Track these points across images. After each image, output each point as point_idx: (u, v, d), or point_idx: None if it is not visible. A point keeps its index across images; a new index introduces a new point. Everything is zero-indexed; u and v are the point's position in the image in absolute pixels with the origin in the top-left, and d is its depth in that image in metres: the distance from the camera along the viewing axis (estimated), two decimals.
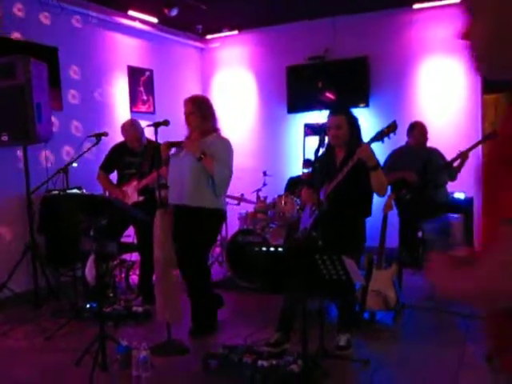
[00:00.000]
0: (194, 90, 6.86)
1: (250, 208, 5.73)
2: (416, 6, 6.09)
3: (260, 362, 3.04)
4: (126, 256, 5.16)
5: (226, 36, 7.29)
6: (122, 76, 6.29)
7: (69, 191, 4.68)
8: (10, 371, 3.36)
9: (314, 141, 6.06)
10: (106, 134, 4.64)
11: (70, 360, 3.32)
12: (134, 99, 6.46)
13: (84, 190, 5.13)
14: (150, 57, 6.71)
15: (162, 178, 3.94)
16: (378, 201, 3.61)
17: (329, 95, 6.77)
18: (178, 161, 3.87)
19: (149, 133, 4.42)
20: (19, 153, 4.77)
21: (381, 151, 3.87)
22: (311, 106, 6.80)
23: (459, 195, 5.48)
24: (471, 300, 1.03)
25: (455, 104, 6.12)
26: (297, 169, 6.33)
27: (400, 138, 4.38)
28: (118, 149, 4.82)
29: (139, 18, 6.26)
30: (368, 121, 5.86)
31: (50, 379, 3.24)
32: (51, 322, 4.14)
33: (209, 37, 7.41)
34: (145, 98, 6.62)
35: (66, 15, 5.47)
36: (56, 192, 4.74)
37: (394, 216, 4.61)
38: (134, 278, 5.11)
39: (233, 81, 7.47)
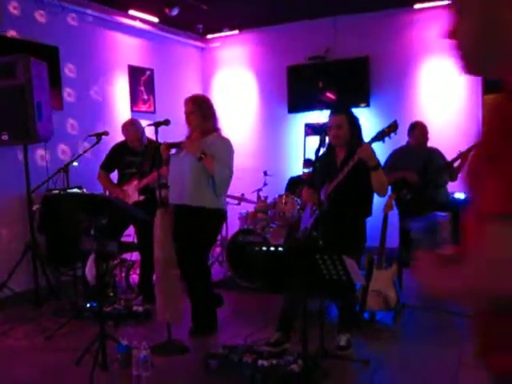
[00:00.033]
0: (194, 89, 6.86)
1: (251, 208, 5.73)
2: (417, 6, 6.09)
3: (260, 362, 3.04)
4: (127, 255, 5.16)
5: (226, 36, 7.30)
6: (122, 75, 6.29)
7: (69, 190, 4.68)
8: (11, 370, 3.36)
9: (314, 141, 6.06)
10: (106, 134, 4.64)
11: (71, 359, 3.32)
12: (134, 99, 6.46)
13: (84, 190, 5.13)
14: (151, 56, 6.71)
15: (163, 178, 3.94)
16: (378, 201, 3.60)
17: (329, 95, 6.77)
18: (178, 161, 3.87)
19: (149, 132, 4.42)
20: (19, 152, 4.77)
21: (381, 151, 3.87)
22: (312, 106, 6.80)
23: (460, 195, 5.48)
24: (458, 298, 1.03)
25: (455, 104, 6.12)
26: (297, 169, 6.32)
27: (400, 138, 4.38)
28: (119, 148, 4.82)
29: (140, 18, 6.26)
30: (368, 121, 5.86)
31: (50, 378, 3.24)
32: (51, 322, 4.14)
33: (209, 36, 7.41)
34: (145, 97, 6.62)
35: (67, 14, 5.47)
36: (56, 191, 4.74)
37: (394, 216, 4.61)
38: (135, 277, 5.11)
39: (233, 80, 7.47)
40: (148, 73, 6.65)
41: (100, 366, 3.17)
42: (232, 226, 5.80)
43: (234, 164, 3.86)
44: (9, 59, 4.34)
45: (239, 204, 5.89)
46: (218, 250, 5.95)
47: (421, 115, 5.75)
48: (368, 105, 6.52)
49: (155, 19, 6.39)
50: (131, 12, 6.08)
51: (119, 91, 6.24)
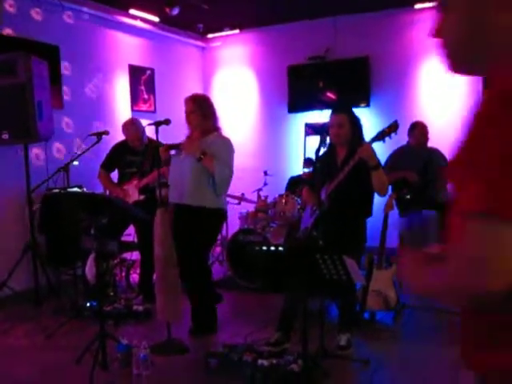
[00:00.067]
0: (194, 88, 6.86)
1: (251, 207, 5.73)
2: (417, 6, 6.08)
3: (260, 361, 3.04)
4: (127, 255, 5.16)
5: (227, 35, 7.30)
6: (123, 75, 6.29)
7: (69, 190, 4.68)
8: (11, 369, 3.36)
9: (314, 140, 6.06)
10: (106, 133, 4.64)
11: (71, 358, 3.32)
12: (135, 98, 6.46)
13: (84, 189, 5.13)
14: (151, 56, 6.71)
15: (163, 177, 3.94)
16: (378, 200, 3.60)
17: (329, 95, 6.77)
18: (178, 161, 3.87)
19: (150, 132, 4.42)
20: (20, 151, 4.77)
21: (382, 151, 3.87)
22: (312, 106, 6.80)
23: None
24: (439, 296, 1.03)
25: (456, 104, 6.11)
26: (297, 168, 6.33)
27: (401, 138, 4.38)
28: (119, 147, 4.82)
29: (140, 17, 6.27)
30: (369, 121, 5.86)
31: (50, 377, 3.24)
32: (52, 321, 4.14)
33: (210, 36, 7.41)
34: (146, 96, 6.62)
35: (67, 13, 5.47)
36: (57, 190, 4.74)
37: (394, 216, 4.61)
38: (135, 276, 5.11)
39: (234, 80, 7.47)
40: (148, 72, 6.65)
41: (100, 365, 3.17)
42: (232, 225, 5.81)
43: (235, 163, 3.86)
44: (9, 58, 4.34)
45: (239, 204, 5.90)
46: (218, 249, 5.95)
47: (421, 115, 5.75)
48: (368, 105, 6.52)
49: (156, 18, 6.39)
50: (132, 11, 6.08)
51: (120, 90, 6.24)
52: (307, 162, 5.75)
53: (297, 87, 6.92)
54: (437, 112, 6.14)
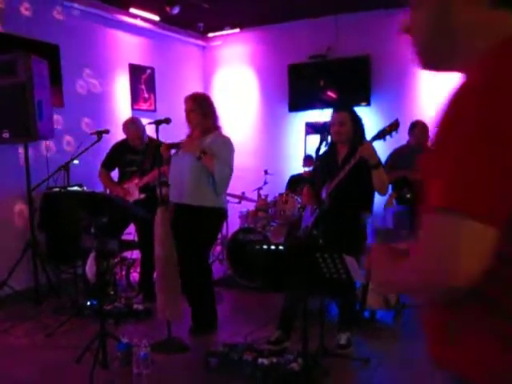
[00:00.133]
0: (195, 88, 6.85)
1: (251, 206, 5.73)
2: None
3: (260, 360, 3.04)
4: (127, 254, 5.17)
5: (227, 34, 7.29)
6: (123, 74, 6.29)
7: (70, 188, 4.69)
8: (11, 369, 3.36)
9: (315, 139, 6.05)
10: (107, 132, 4.63)
11: (71, 357, 3.33)
12: (135, 97, 6.46)
13: (85, 188, 5.13)
14: (152, 55, 6.71)
15: (163, 176, 3.94)
16: (379, 199, 3.60)
17: (330, 94, 6.76)
18: (178, 160, 3.87)
19: (150, 131, 4.42)
20: (20, 150, 4.77)
21: (382, 150, 3.86)
22: (313, 105, 6.80)
23: None
24: (403, 290, 1.04)
25: None
26: (298, 167, 6.32)
27: (401, 137, 4.37)
28: (120, 147, 4.82)
29: (141, 16, 6.26)
30: (369, 119, 5.84)
31: (50, 376, 3.24)
32: (52, 320, 4.14)
33: (210, 35, 7.41)
34: (146, 95, 6.62)
35: (68, 13, 5.47)
36: (57, 189, 4.74)
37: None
38: (135, 275, 5.11)
39: (234, 79, 7.47)
40: (149, 71, 6.65)
41: (100, 363, 3.17)
42: (232, 224, 5.80)
43: (235, 162, 3.85)
44: (10, 57, 4.34)
45: (240, 202, 5.90)
46: (218, 248, 5.95)
47: (421, 114, 5.74)
48: (369, 104, 6.51)
49: (156, 17, 6.39)
50: (132, 10, 6.08)
51: (120, 89, 6.24)
52: (307, 159, 5.75)
53: (297, 86, 6.91)
54: (437, 111, 6.12)
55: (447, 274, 0.85)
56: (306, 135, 6.82)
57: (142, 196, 4.61)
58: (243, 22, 6.93)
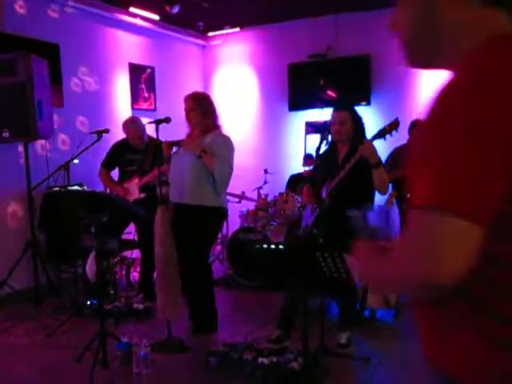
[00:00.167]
0: (195, 87, 6.85)
1: (251, 206, 5.73)
2: None
3: (260, 360, 3.04)
4: (127, 253, 5.16)
5: (227, 33, 7.28)
6: (123, 73, 6.28)
7: (70, 188, 4.68)
8: (11, 368, 3.36)
9: (315, 139, 6.06)
10: (107, 131, 4.64)
11: (71, 357, 3.33)
12: (135, 96, 6.45)
13: (85, 187, 5.13)
14: (152, 54, 6.70)
15: (163, 175, 3.94)
16: (379, 199, 3.60)
17: (330, 93, 6.76)
18: (178, 159, 3.87)
19: (150, 130, 4.42)
20: (20, 149, 4.77)
21: (382, 149, 3.86)
22: (312, 104, 6.80)
23: None
24: (387, 287, 1.04)
25: None
26: (298, 166, 6.32)
27: (401, 136, 4.36)
28: (120, 146, 4.82)
29: (140, 15, 6.25)
30: (369, 119, 5.84)
31: (50, 376, 3.24)
32: (52, 319, 4.14)
33: (210, 34, 7.40)
34: (146, 95, 6.62)
35: (68, 12, 5.46)
36: (57, 189, 4.74)
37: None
38: (135, 275, 5.11)
39: (234, 78, 7.46)
40: (149, 70, 6.64)
41: (100, 363, 3.18)
42: (232, 223, 5.80)
43: (235, 162, 3.85)
44: (10, 56, 4.34)
45: (240, 202, 5.89)
46: (218, 248, 5.95)
47: (421, 113, 5.73)
48: (369, 103, 6.51)
49: (156, 17, 6.38)
50: (132, 9, 6.07)
51: (120, 89, 6.24)
52: (307, 158, 5.75)
53: (297, 85, 6.91)
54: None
55: (432, 272, 0.84)
56: (305, 134, 6.81)
57: (142, 195, 4.61)
58: (243, 21, 6.92)
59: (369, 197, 3.48)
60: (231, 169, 3.80)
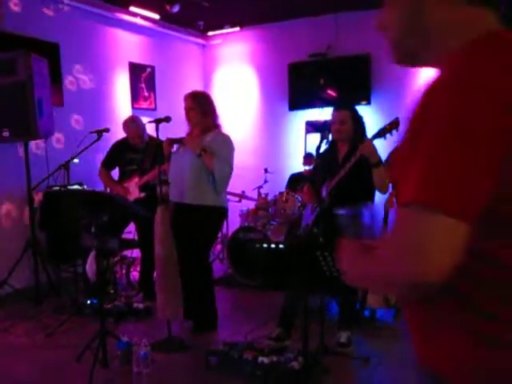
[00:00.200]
0: (195, 86, 6.84)
1: (251, 205, 5.73)
2: None
3: (260, 359, 3.04)
4: (127, 252, 5.17)
5: (227, 33, 7.28)
6: (123, 72, 6.28)
7: (70, 187, 4.68)
8: (11, 368, 3.36)
9: (315, 138, 6.05)
10: (107, 131, 4.63)
11: (71, 356, 3.33)
12: (135, 96, 6.45)
13: (85, 186, 5.13)
14: (152, 53, 6.70)
15: (164, 174, 3.94)
16: (379, 198, 3.60)
17: (330, 92, 6.76)
18: (178, 158, 3.86)
19: (150, 129, 4.41)
20: (20, 148, 4.77)
21: (382, 148, 3.85)
22: (313, 103, 6.79)
23: None
24: (373, 285, 1.04)
25: None
26: (298, 166, 6.32)
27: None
28: (120, 145, 4.82)
29: (141, 14, 6.25)
30: (370, 118, 5.84)
31: (50, 375, 3.24)
32: (52, 319, 4.14)
33: (210, 33, 7.39)
34: (146, 94, 6.61)
35: (68, 11, 5.46)
36: (57, 188, 4.74)
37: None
38: (135, 274, 5.11)
39: (234, 77, 7.46)
40: (149, 70, 6.64)
41: (100, 362, 3.17)
42: (233, 223, 5.80)
43: (235, 161, 3.85)
44: (10, 56, 4.33)
45: (240, 201, 5.89)
46: (218, 247, 5.96)
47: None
48: (369, 102, 6.50)
49: (156, 16, 6.38)
50: (132, 9, 6.07)
51: (120, 88, 6.23)
52: (308, 157, 5.74)
53: (297, 85, 6.90)
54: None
55: (420, 270, 0.84)
56: (306, 134, 6.81)
57: (142, 195, 4.61)
58: (243, 20, 6.92)
59: (369, 196, 3.49)
60: (231, 168, 3.80)
